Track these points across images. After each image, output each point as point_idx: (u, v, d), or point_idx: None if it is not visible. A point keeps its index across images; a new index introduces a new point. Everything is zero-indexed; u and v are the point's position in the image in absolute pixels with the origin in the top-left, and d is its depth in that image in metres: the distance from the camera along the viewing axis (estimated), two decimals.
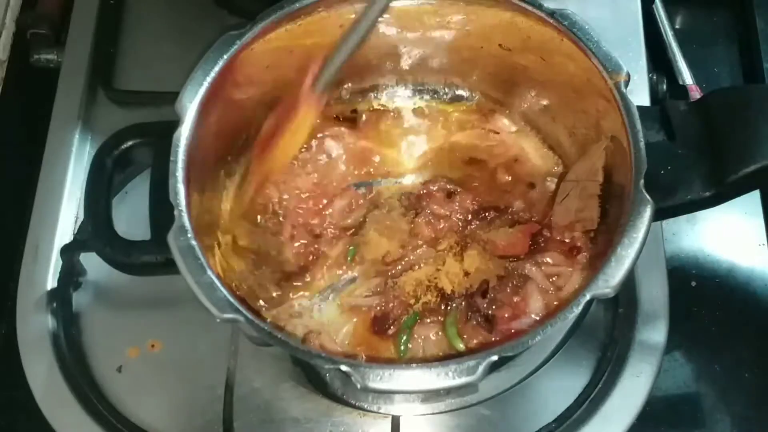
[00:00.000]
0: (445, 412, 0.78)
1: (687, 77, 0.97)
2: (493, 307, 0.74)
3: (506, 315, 0.73)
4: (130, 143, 0.76)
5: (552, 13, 0.73)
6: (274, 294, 0.77)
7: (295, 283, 0.78)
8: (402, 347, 0.75)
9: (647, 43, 0.94)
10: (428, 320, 0.76)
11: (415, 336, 0.75)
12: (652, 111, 0.73)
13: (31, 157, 0.91)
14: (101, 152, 0.76)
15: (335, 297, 0.78)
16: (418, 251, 0.79)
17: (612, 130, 0.73)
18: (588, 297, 0.63)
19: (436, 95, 0.88)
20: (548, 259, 0.75)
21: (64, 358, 0.81)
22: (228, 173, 0.80)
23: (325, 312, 0.77)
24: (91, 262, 0.83)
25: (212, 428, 0.78)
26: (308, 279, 0.78)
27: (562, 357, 0.80)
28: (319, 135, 0.84)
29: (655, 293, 0.82)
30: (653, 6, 1.00)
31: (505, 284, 0.75)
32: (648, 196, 0.65)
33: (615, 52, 0.72)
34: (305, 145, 0.83)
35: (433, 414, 0.78)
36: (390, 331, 0.76)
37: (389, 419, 0.78)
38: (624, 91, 0.70)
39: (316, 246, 0.80)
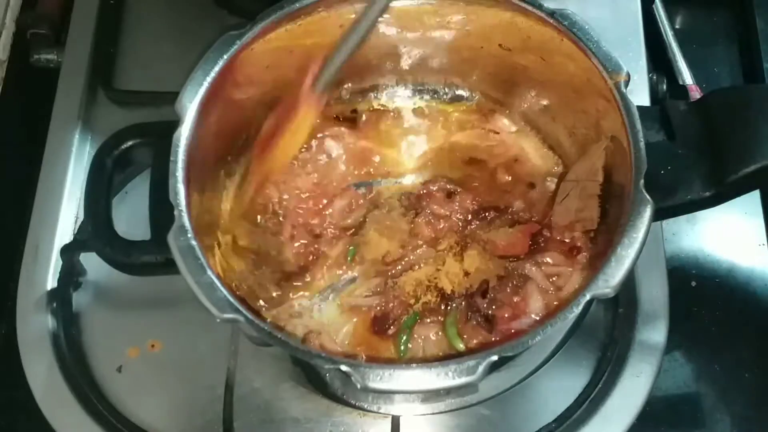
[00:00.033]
0: (445, 412, 0.78)
1: (687, 77, 0.96)
2: (493, 307, 0.74)
3: (506, 315, 0.73)
4: (130, 143, 0.76)
5: (552, 13, 0.73)
6: (274, 294, 0.77)
7: (295, 283, 0.78)
8: (402, 347, 0.75)
9: (647, 43, 0.94)
10: (428, 320, 0.76)
11: (415, 336, 0.75)
12: (652, 111, 0.73)
13: (31, 157, 0.91)
14: (101, 152, 0.76)
15: (335, 297, 0.78)
16: (418, 251, 0.79)
17: (612, 130, 0.73)
18: (588, 297, 0.63)
19: (436, 95, 0.88)
20: (548, 259, 0.75)
21: (64, 358, 0.80)
22: (228, 173, 0.80)
23: (325, 312, 0.77)
24: (91, 262, 0.83)
25: (212, 428, 0.78)
26: (308, 279, 0.78)
27: (562, 357, 0.80)
28: (319, 135, 0.84)
29: (655, 293, 0.82)
30: (653, 6, 1.00)
31: (505, 284, 0.75)
32: (648, 196, 0.65)
33: (615, 52, 0.71)
34: (305, 145, 0.83)
35: (433, 414, 0.78)
36: (390, 331, 0.76)
37: (389, 419, 0.78)
38: (624, 91, 0.70)
39: (316, 246, 0.80)
